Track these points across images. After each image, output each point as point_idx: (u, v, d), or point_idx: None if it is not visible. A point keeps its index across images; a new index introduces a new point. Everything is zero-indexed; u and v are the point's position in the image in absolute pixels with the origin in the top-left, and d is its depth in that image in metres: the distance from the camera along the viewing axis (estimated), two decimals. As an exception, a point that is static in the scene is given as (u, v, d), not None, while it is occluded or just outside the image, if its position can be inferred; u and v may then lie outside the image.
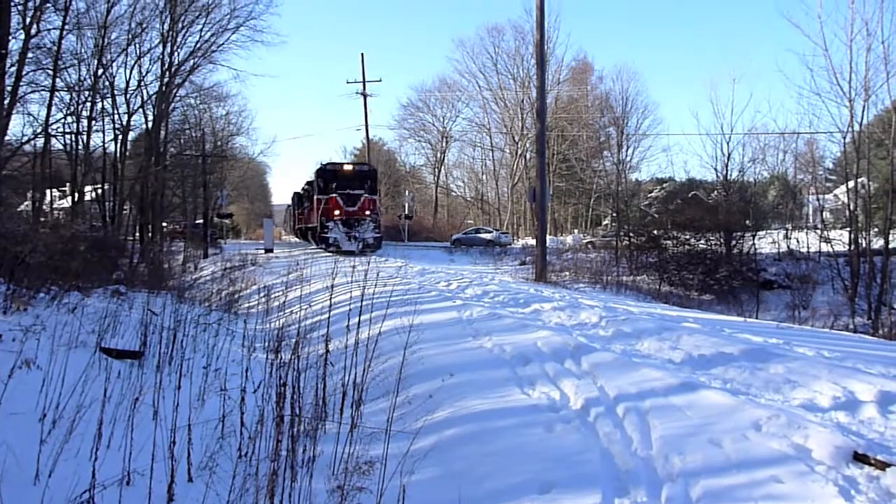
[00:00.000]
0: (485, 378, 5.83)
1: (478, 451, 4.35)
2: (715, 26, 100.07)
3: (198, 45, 26.95)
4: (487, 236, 39.55)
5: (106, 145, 23.46)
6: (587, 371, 5.82)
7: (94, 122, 21.15)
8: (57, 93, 18.14)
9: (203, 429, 4.69)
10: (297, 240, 47.69)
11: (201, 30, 26.83)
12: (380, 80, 39.50)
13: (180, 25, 25.88)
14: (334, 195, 27.21)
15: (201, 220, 38.61)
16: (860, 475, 3.59)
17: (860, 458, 3.70)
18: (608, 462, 4.02)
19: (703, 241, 26.94)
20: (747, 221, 27.55)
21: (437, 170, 64.45)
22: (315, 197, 29.41)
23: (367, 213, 27.63)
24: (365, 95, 37.59)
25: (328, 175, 28.65)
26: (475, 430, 4.69)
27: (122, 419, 4.54)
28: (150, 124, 26.01)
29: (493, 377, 5.85)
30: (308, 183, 36.10)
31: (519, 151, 54.71)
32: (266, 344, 7.30)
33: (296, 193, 45.12)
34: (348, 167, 30.16)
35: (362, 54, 36.90)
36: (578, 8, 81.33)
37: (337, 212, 26.99)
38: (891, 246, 20.73)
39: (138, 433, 3.94)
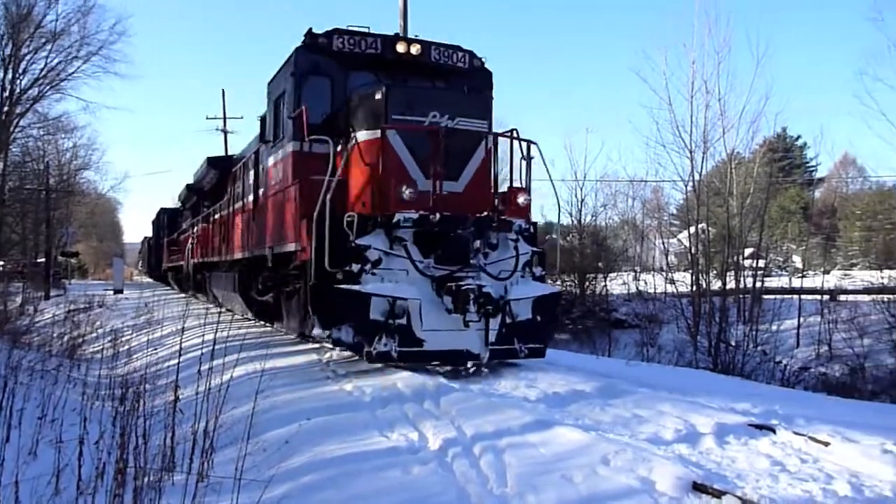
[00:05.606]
0: (343, 422, 5.74)
1: (335, 496, 4.25)
2: (572, 76, 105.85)
3: (44, 73, 25.47)
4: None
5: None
6: (446, 411, 5.85)
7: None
8: None
9: (34, 485, 4.30)
10: (151, 280, 44.14)
11: (47, 56, 25.37)
12: (242, 118, 38.46)
13: (24, 51, 24.36)
14: (386, 137, 7.70)
15: (43, 259, 36.00)
16: (698, 504, 3.80)
17: (699, 488, 3.93)
18: (464, 501, 4.04)
19: (559, 283, 28.02)
20: (600, 263, 28.91)
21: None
22: (284, 150, 9.50)
23: (522, 199, 8.41)
24: (225, 132, 36.56)
25: (352, 65, 9.10)
26: (332, 474, 4.58)
27: (-63, 478, 4.09)
28: (-14, 155, 24.12)
29: (352, 421, 5.76)
30: (230, 159, 16.04)
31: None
32: (110, 391, 6.84)
33: (162, 210, 33.47)
34: (414, 48, 9.04)
35: (223, 90, 36.00)
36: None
37: (408, 191, 7.34)
38: (728, 287, 22.34)
39: (-45, 493, 3.56)
